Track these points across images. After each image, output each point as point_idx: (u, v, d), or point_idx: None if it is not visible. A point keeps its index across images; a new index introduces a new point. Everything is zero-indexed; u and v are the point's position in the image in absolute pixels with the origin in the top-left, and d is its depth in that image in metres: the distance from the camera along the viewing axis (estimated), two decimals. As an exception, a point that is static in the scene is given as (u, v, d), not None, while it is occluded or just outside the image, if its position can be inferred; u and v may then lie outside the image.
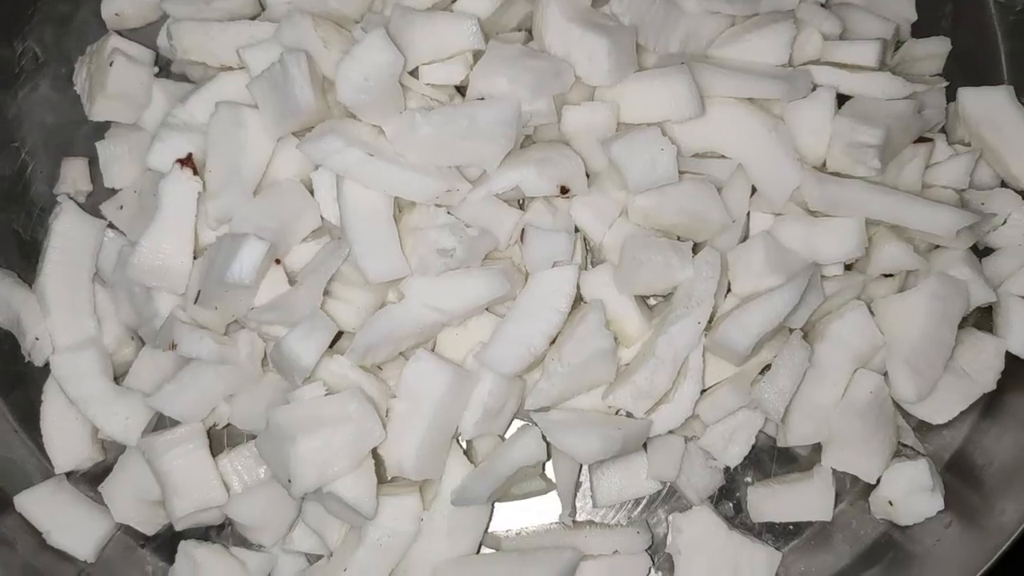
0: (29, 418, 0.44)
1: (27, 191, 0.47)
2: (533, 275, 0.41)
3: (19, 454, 0.44)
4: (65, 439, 0.42)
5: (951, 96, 0.46)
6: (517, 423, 0.44)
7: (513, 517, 0.44)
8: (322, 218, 0.42)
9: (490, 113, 0.40)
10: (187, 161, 0.40)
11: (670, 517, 0.44)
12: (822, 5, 0.45)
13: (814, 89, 0.43)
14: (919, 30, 0.48)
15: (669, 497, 0.45)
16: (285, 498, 0.40)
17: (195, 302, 0.40)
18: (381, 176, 0.40)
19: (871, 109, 0.42)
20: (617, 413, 0.42)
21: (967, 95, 0.46)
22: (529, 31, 0.45)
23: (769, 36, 0.43)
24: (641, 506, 0.45)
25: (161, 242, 0.39)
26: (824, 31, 0.44)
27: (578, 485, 0.44)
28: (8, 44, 0.48)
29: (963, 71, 0.48)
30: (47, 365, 0.43)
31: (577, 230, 0.43)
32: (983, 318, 0.45)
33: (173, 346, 0.39)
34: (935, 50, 0.47)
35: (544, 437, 0.41)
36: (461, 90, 0.43)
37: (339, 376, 0.40)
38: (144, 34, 0.47)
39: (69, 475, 0.43)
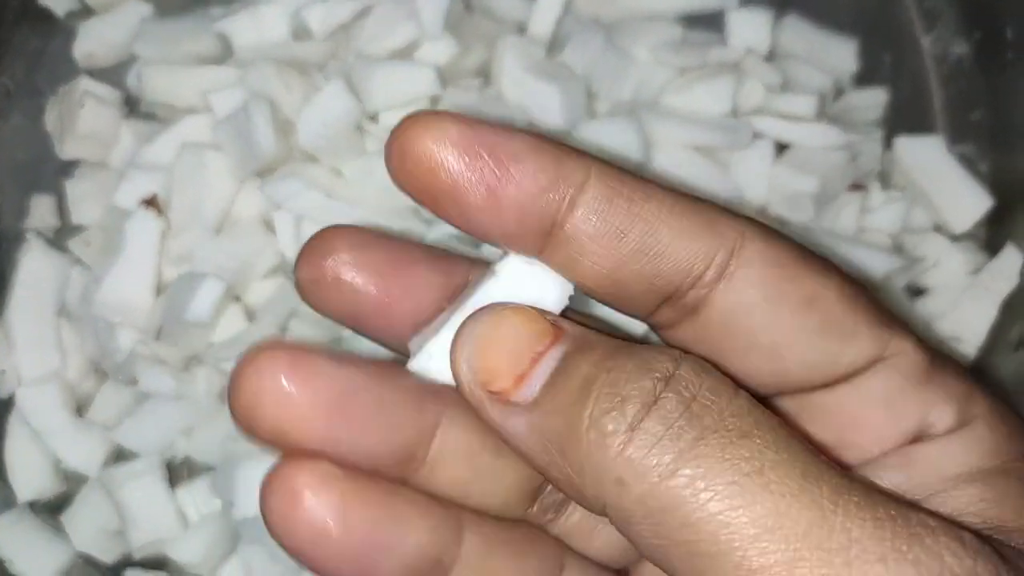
0: (-9, 448, 0.45)
1: (-5, 225, 0.48)
2: None
3: (-19, 484, 0.45)
4: (28, 469, 0.43)
5: (888, 143, 0.49)
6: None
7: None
8: (282, 256, 0.43)
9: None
10: (151, 202, 0.41)
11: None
12: (765, 58, 0.48)
13: (755, 139, 0.45)
14: (860, 79, 0.51)
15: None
16: (223, 533, 0.41)
17: (156, 337, 0.41)
18: (340, 217, 0.42)
19: (808, 159, 0.45)
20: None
21: (902, 143, 0.48)
22: (486, 76, 0.47)
23: (714, 87, 0.45)
24: None
25: (124, 279, 0.41)
26: (766, 83, 0.47)
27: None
28: (-19, 80, 0.50)
29: (901, 118, 0.50)
30: (11, 397, 0.44)
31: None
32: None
33: (135, 381, 0.41)
34: (873, 100, 0.50)
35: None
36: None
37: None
38: (113, 73, 0.48)
39: (31, 504, 0.44)
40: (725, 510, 0.16)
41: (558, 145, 0.20)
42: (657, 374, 0.17)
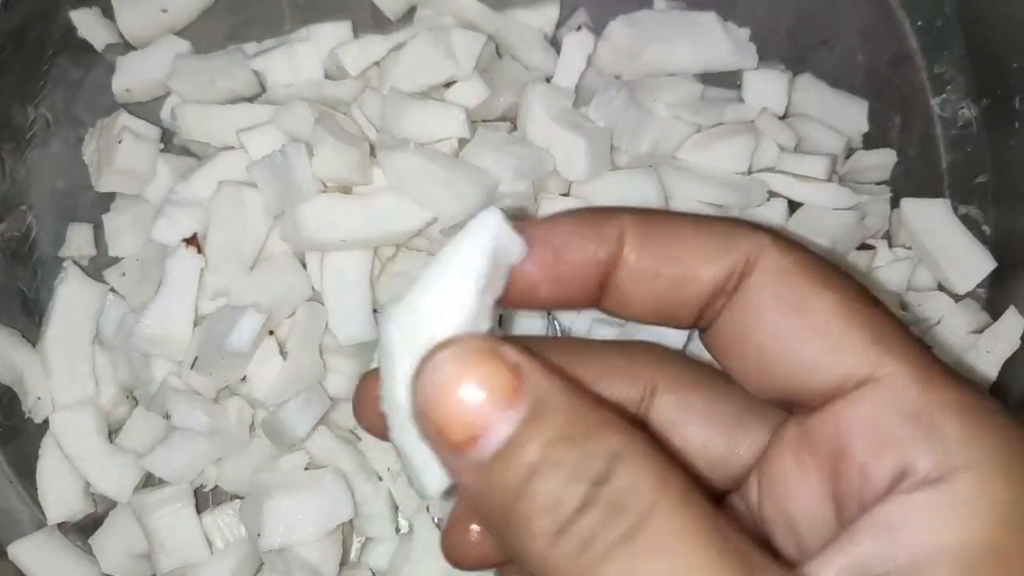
0: (24, 470, 0.46)
1: (32, 252, 0.49)
2: None
3: (13, 504, 0.47)
4: (59, 492, 0.45)
5: (896, 203, 0.51)
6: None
7: None
8: (313, 289, 0.45)
9: (469, 176, 0.43)
10: (192, 240, 0.43)
11: None
12: (780, 117, 0.49)
13: (769, 197, 0.47)
14: (870, 139, 0.52)
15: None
16: (247, 559, 0.42)
17: (191, 368, 0.42)
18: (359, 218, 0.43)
19: (819, 219, 0.47)
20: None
21: (909, 205, 0.50)
22: (513, 121, 0.48)
23: (731, 146, 0.47)
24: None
25: (165, 315, 0.42)
26: (780, 142, 0.48)
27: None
28: (22, 109, 0.51)
29: (908, 178, 0.52)
30: (45, 421, 0.45)
31: (549, 313, 0.46)
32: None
33: (167, 411, 0.42)
34: (882, 161, 0.52)
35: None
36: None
37: (321, 446, 0.43)
38: (150, 108, 0.50)
39: (60, 526, 0.46)
40: None
41: (593, 213, 0.24)
42: (594, 475, 0.19)
